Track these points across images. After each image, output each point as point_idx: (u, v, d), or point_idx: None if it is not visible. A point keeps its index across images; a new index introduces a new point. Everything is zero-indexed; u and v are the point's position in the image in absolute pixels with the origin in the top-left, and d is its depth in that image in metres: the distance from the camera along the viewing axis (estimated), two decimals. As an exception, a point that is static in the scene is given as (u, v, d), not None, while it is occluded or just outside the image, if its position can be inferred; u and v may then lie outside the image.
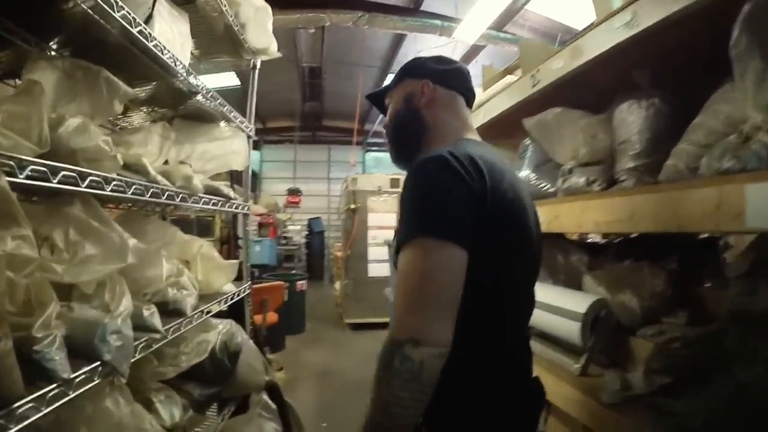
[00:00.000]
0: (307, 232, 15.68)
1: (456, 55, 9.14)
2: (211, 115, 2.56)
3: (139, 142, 2.13)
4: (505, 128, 2.70)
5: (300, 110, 15.15)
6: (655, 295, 1.88)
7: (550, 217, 2.02)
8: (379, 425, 1.07)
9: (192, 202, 2.00)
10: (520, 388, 1.34)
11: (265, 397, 2.46)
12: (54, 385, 1.10)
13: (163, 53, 1.73)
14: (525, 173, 2.43)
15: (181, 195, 1.89)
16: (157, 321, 1.63)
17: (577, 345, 1.93)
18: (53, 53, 1.83)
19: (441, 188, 1.13)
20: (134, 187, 1.55)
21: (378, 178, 8.60)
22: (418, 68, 1.55)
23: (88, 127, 1.37)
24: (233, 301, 2.57)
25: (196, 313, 1.98)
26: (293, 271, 11.43)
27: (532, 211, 1.39)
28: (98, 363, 1.28)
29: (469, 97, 1.56)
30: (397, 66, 10.97)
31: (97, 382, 1.27)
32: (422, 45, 8.96)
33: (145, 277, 1.75)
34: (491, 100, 2.77)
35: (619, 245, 2.45)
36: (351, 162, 13.82)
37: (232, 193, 2.48)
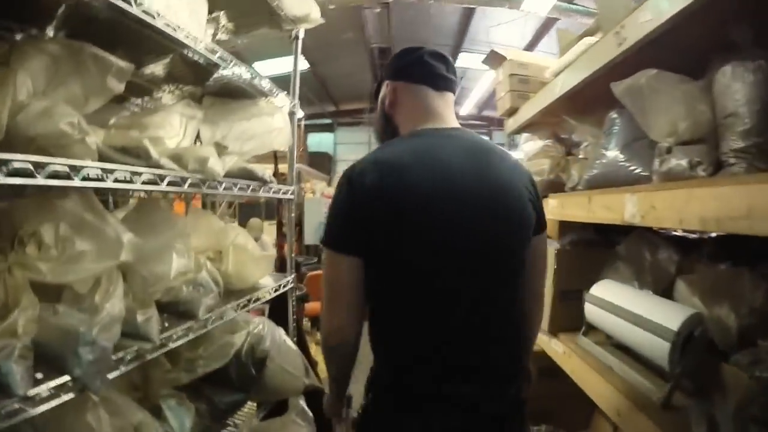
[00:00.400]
0: None
1: (527, 31, 8.70)
2: (248, 92, 2.31)
3: (157, 123, 1.90)
4: (587, 100, 2.35)
5: (372, 91, 14.74)
6: (755, 311, 1.53)
7: (645, 208, 1.62)
8: (330, 380, 1.55)
9: (208, 188, 1.76)
10: (439, 387, 1.34)
11: (302, 402, 2.22)
12: (9, 401, 1.01)
13: (155, 20, 1.48)
14: (612, 153, 2.03)
15: (189, 181, 1.63)
16: (152, 328, 1.43)
17: (664, 368, 1.57)
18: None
19: (335, 205, 1.36)
20: (116, 173, 1.32)
21: None
22: (387, 70, 1.64)
23: (53, 111, 1.18)
24: (272, 297, 2.38)
25: (212, 316, 1.75)
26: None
27: (478, 201, 1.34)
28: (68, 378, 1.13)
29: (436, 82, 1.55)
30: (468, 44, 10.76)
31: (66, 398, 1.14)
32: (492, 20, 8.51)
33: (153, 275, 1.54)
34: (569, 68, 2.40)
35: (716, 241, 2.08)
36: None
37: (268, 176, 2.25)
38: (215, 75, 2.04)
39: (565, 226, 3.04)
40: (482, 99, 14.51)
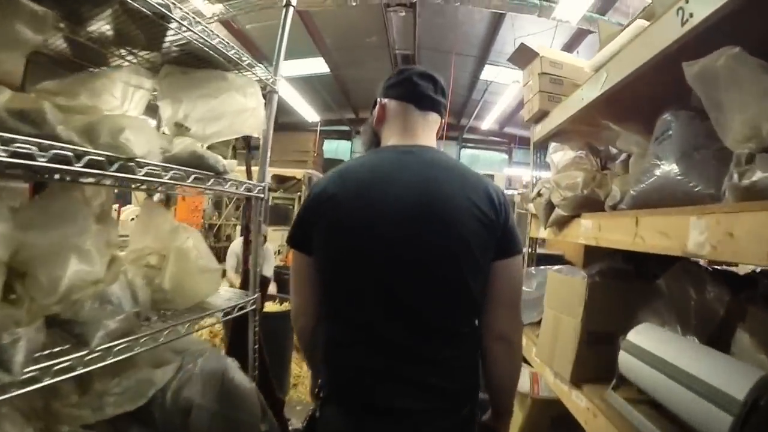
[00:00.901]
0: None
1: (557, 43, 8.28)
2: (217, 63, 1.87)
3: (92, 90, 1.49)
4: (631, 102, 1.97)
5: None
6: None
7: (718, 236, 1.20)
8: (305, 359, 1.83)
9: (117, 171, 1.22)
10: (348, 384, 1.43)
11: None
12: None
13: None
14: (665, 165, 1.60)
15: (88, 158, 1.13)
16: (15, 355, 1.00)
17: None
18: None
19: (302, 209, 1.55)
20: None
21: None
22: (380, 90, 1.72)
23: None
24: (225, 318, 2.02)
25: (116, 345, 1.28)
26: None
27: (416, 218, 1.37)
28: None
29: (421, 101, 1.62)
30: (494, 55, 10.46)
31: None
32: (521, 30, 8.09)
33: (39, 281, 1.11)
34: (616, 58, 1.95)
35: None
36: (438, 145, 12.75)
37: (223, 166, 1.78)
38: (170, 35, 1.62)
39: (591, 253, 2.75)
40: (504, 114, 14.03)
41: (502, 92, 11.49)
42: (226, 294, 2.13)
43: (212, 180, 1.72)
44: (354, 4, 7.11)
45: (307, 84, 13.16)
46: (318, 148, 15.14)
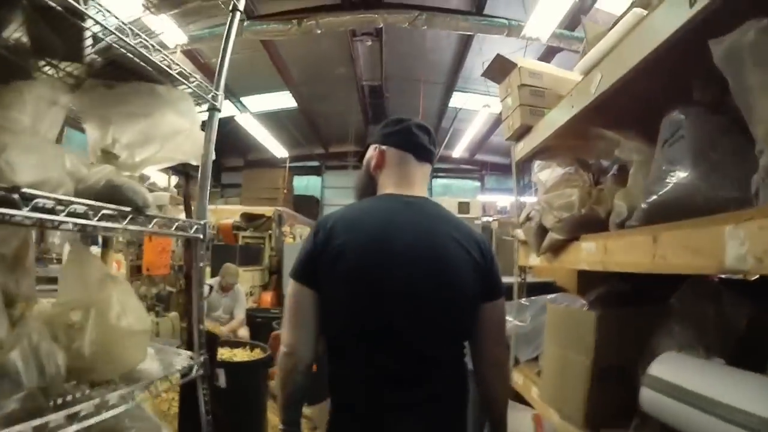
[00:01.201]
0: None
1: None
2: (146, 73, 1.57)
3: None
4: (627, 107, 1.80)
5: (364, 133, 14.29)
6: None
7: (762, 245, 0.98)
8: (279, 399, 1.65)
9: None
10: (363, 412, 1.52)
11: None
12: None
13: None
14: (681, 174, 1.40)
15: None
16: None
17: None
18: None
19: (305, 245, 1.60)
20: None
21: (444, 203, 7.14)
22: (375, 135, 1.82)
23: None
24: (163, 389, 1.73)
25: None
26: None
27: (415, 262, 1.51)
28: None
29: (419, 151, 1.74)
30: (462, 81, 10.52)
31: None
32: (489, 53, 7.93)
33: None
34: (611, 56, 1.75)
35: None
36: None
37: (144, 200, 1.44)
38: (88, 39, 1.34)
39: (585, 276, 2.62)
40: (474, 141, 13.99)
41: (471, 119, 11.45)
42: (167, 357, 1.81)
43: (129, 218, 1.39)
44: (319, 32, 6.94)
45: (275, 119, 13.03)
46: (288, 185, 14.94)
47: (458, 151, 14.27)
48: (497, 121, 12.31)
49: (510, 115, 2.94)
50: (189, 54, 9.56)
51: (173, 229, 1.68)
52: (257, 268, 9.29)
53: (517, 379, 2.77)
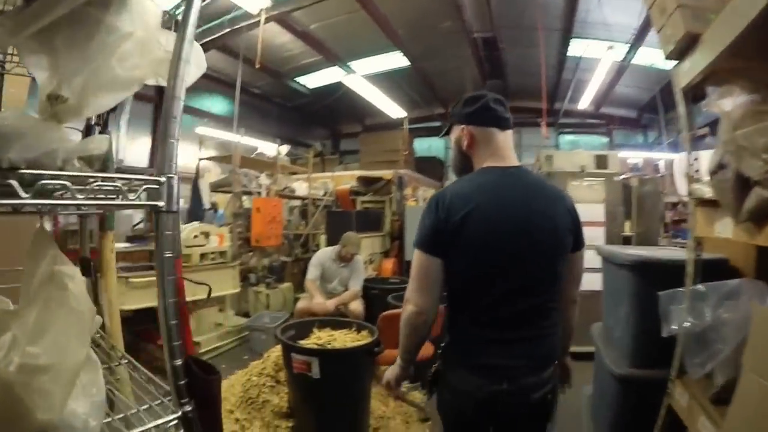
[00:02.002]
0: None
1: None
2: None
3: None
4: None
5: (482, 89, 13.36)
6: None
7: None
8: (403, 350, 1.97)
9: None
10: (493, 359, 1.80)
11: None
12: None
13: None
14: None
15: None
16: None
17: None
18: None
19: (422, 219, 1.82)
20: None
21: (579, 156, 6.23)
22: (458, 115, 1.99)
23: None
24: None
25: None
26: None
27: (526, 226, 1.79)
28: None
29: (501, 123, 1.96)
30: (579, 27, 9.58)
31: None
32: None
33: None
34: None
35: None
36: (543, 133, 11.37)
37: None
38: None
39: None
40: (600, 94, 12.71)
41: (593, 68, 10.41)
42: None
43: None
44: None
45: (389, 80, 12.55)
46: (408, 147, 14.35)
47: (583, 103, 13.04)
48: (621, 70, 11.22)
49: (666, 23, 2.19)
50: (283, 23, 9.25)
51: (117, 199, 1.08)
52: (377, 234, 8.86)
53: (680, 397, 2.14)
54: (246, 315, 7.05)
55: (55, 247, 1.07)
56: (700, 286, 2.08)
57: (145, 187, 1.08)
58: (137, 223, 9.12)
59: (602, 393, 3.06)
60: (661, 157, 12.17)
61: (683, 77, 2.15)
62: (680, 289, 2.16)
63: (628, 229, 6.68)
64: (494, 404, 1.80)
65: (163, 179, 1.09)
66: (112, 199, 1.08)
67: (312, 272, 5.77)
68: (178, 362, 1.15)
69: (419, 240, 1.81)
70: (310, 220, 9.36)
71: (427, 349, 3.93)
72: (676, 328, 2.12)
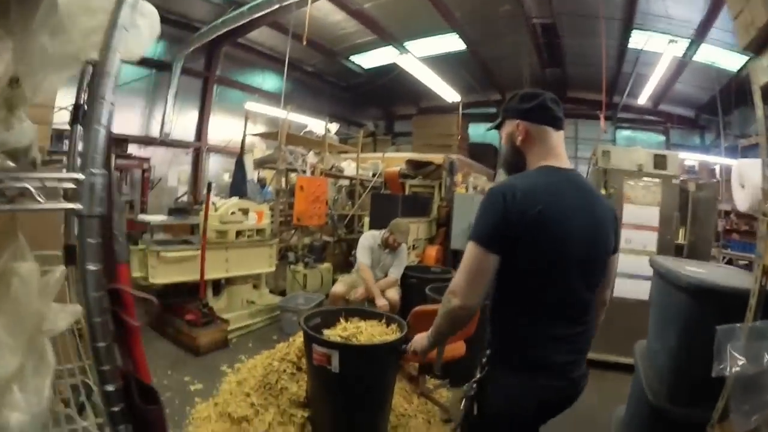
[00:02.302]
0: None
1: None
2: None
3: None
4: None
5: (541, 78, 13.11)
6: None
7: None
8: (436, 333, 2.05)
9: None
10: (544, 358, 1.85)
11: None
12: None
13: None
14: None
15: None
16: None
17: None
18: None
19: (484, 213, 1.81)
20: None
21: (637, 154, 5.66)
22: (513, 110, 1.99)
23: None
24: None
25: None
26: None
27: (583, 227, 1.84)
28: None
29: (557, 123, 1.97)
30: (641, 18, 9.18)
31: None
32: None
33: None
34: None
35: None
36: (602, 126, 10.49)
37: None
38: None
39: None
40: (658, 90, 12.08)
41: (654, 62, 9.86)
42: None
43: None
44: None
45: (445, 63, 12.22)
46: (463, 132, 14.01)
47: (642, 98, 12.42)
48: (681, 66, 10.66)
49: (745, 7, 1.84)
50: (336, 1, 9.03)
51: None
52: (424, 220, 8.51)
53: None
54: (282, 293, 6.92)
55: (19, 239, 0.92)
56: (759, 323, 1.76)
57: (64, 186, 0.86)
58: (180, 196, 9.17)
59: (635, 421, 2.73)
60: (718, 161, 11.68)
61: (762, 74, 1.79)
62: (738, 325, 1.85)
63: (681, 237, 6.20)
64: (553, 400, 1.91)
65: (81, 177, 0.86)
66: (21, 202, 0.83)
67: (365, 256, 5.53)
68: (111, 388, 0.96)
69: (479, 234, 1.79)
70: (356, 200, 9.16)
71: (459, 349, 3.70)
72: (728, 368, 1.77)
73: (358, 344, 3.04)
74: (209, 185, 5.39)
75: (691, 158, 12.03)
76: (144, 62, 9.55)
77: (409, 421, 3.59)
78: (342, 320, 3.43)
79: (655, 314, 2.83)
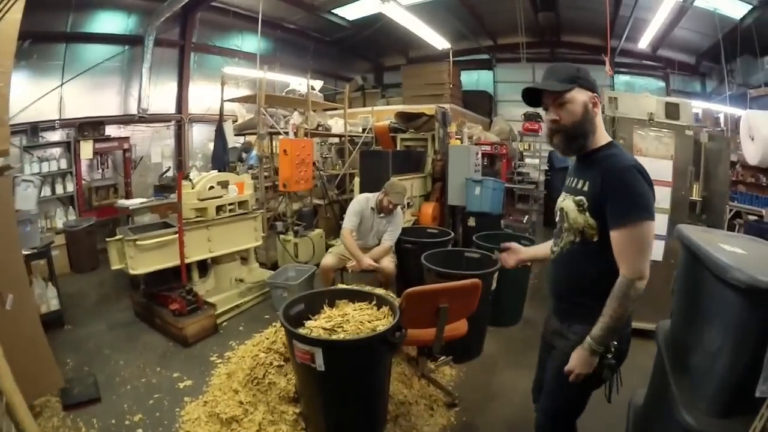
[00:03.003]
0: (546, 168, 12.00)
1: None
2: None
3: None
4: None
5: (533, 22, 12.65)
6: None
7: None
8: (617, 321, 1.91)
9: None
10: None
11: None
12: None
13: None
14: None
15: None
16: None
17: None
18: None
19: (641, 188, 1.87)
20: None
21: (647, 102, 5.05)
22: (588, 82, 2.03)
23: None
24: None
25: None
26: (521, 234, 7.04)
27: None
28: None
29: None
30: None
31: None
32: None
33: None
34: None
35: None
36: (607, 71, 9.77)
37: None
38: None
39: None
40: (658, 36, 11.56)
41: (653, 7, 9.25)
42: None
43: None
44: None
45: (432, 10, 11.66)
46: (455, 80, 13.51)
47: (641, 43, 11.82)
48: (682, 11, 10.12)
49: None
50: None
51: None
52: (418, 176, 8.18)
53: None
54: (275, 266, 6.64)
55: None
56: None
57: None
58: (164, 172, 8.77)
59: (657, 422, 2.27)
60: (722, 110, 11.22)
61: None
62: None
63: (695, 193, 5.76)
64: None
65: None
66: None
67: (350, 221, 5.14)
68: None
69: (649, 210, 1.86)
70: (347, 159, 8.80)
71: (461, 328, 3.39)
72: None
73: (342, 340, 2.72)
74: (179, 163, 5.02)
75: (695, 106, 11.56)
76: (115, 39, 9.12)
77: (410, 408, 3.34)
78: (326, 307, 3.13)
79: (682, 299, 2.30)
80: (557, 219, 2.19)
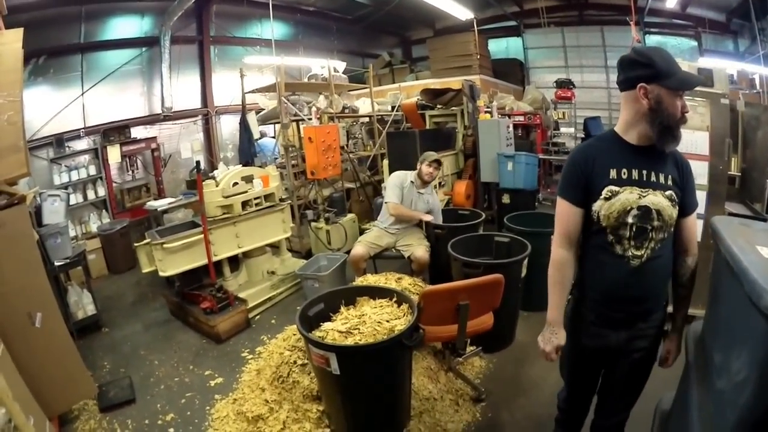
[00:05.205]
0: (582, 136, 11.66)
1: None
2: None
3: None
4: None
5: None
6: None
7: None
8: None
9: None
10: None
11: None
12: None
13: None
14: None
15: None
16: None
17: None
18: None
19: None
20: None
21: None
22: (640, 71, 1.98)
23: None
24: None
25: None
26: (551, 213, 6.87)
27: None
28: None
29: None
30: None
31: None
32: None
33: None
34: None
35: None
36: (633, 34, 9.39)
37: None
38: None
39: None
40: None
41: None
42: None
43: None
44: None
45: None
46: (482, 50, 13.20)
47: (670, 1, 11.26)
48: None
49: None
50: None
51: None
52: (449, 153, 8.01)
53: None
54: (309, 254, 6.64)
55: None
56: None
57: None
58: (194, 167, 8.80)
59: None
60: (757, 70, 10.52)
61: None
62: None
63: (734, 167, 5.09)
64: None
65: None
66: None
67: (394, 193, 5.00)
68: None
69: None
70: (377, 139, 8.70)
71: (487, 322, 3.31)
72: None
73: (355, 345, 2.67)
74: (197, 164, 5.01)
75: (730, 67, 10.88)
76: (131, 43, 9.24)
77: (435, 404, 3.29)
78: (343, 308, 3.12)
79: (714, 306, 1.92)
80: (633, 220, 1.92)
